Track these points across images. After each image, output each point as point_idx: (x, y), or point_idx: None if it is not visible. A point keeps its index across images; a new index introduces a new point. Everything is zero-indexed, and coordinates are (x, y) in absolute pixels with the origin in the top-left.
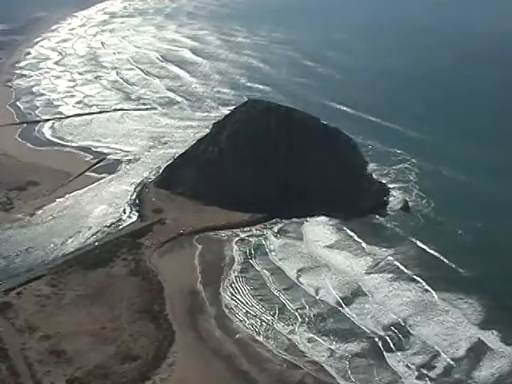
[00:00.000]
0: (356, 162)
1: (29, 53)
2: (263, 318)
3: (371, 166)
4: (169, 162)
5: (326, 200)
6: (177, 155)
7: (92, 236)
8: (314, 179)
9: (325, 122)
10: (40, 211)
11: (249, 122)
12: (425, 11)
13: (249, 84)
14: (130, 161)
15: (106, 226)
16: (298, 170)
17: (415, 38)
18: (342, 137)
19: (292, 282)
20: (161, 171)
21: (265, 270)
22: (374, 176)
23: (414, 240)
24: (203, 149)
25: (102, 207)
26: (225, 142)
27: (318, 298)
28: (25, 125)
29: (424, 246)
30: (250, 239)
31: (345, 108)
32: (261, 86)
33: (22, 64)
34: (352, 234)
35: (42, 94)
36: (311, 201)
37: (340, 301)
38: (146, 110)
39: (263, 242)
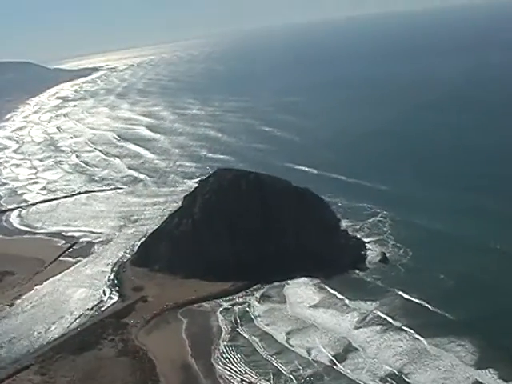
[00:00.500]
0: (329, 220)
1: None
2: (260, 382)
3: (344, 223)
4: (142, 240)
5: (304, 260)
6: (149, 232)
7: (75, 320)
8: (291, 240)
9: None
10: (19, 300)
11: (219, 191)
12: (373, 65)
13: (210, 155)
14: (102, 242)
15: (88, 309)
16: (273, 233)
17: (366, 93)
18: (312, 196)
19: (282, 346)
20: (135, 249)
21: (253, 337)
22: (348, 232)
23: (396, 291)
24: (177, 222)
25: (81, 290)
26: (198, 213)
27: (310, 358)
28: None
29: (407, 296)
30: (234, 308)
31: (307, 169)
32: (222, 156)
33: None
34: (335, 291)
35: (4, 184)
36: (290, 262)
37: (333, 359)
38: (111, 190)
39: (247, 309)
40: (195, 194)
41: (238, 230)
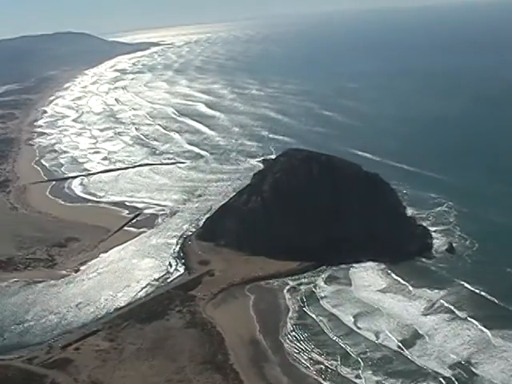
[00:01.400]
0: (397, 207)
1: (45, 111)
2: (327, 364)
3: (410, 211)
4: (209, 215)
5: (371, 245)
6: (215, 207)
7: (142, 290)
8: (359, 225)
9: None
10: (84, 266)
11: (290, 171)
12: (433, 56)
13: (270, 135)
14: (166, 214)
15: (155, 280)
16: (342, 216)
17: (426, 82)
18: (381, 182)
19: (349, 328)
20: (201, 224)
21: (320, 317)
22: (415, 220)
23: (462, 282)
24: (245, 199)
25: (147, 260)
26: (267, 191)
27: (378, 342)
28: (53, 182)
29: (474, 287)
30: (301, 287)
31: (369, 155)
32: (283, 138)
33: (40, 122)
34: (401, 277)
35: (65, 152)
36: (357, 246)
37: (400, 344)
38: (172, 164)
39: (314, 290)
40: (265, 172)
41: (307, 210)
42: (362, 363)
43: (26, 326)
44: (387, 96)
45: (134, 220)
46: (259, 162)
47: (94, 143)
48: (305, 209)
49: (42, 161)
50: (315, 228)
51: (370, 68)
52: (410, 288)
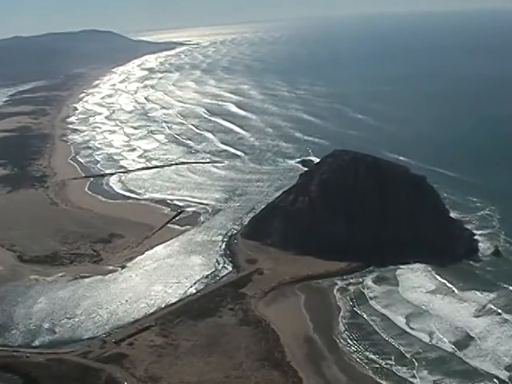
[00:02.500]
0: (443, 210)
1: (76, 108)
2: (382, 363)
3: (453, 214)
4: (253, 214)
5: (418, 246)
6: (260, 207)
7: (191, 286)
8: (406, 226)
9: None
10: (131, 263)
11: (338, 172)
12: (464, 60)
13: (305, 137)
14: (209, 212)
15: (204, 277)
16: (389, 217)
17: (456, 86)
18: (427, 185)
19: (402, 329)
20: (246, 222)
21: (372, 317)
22: (461, 223)
23: (510, 285)
24: (292, 199)
25: (194, 258)
26: (315, 192)
27: (431, 343)
28: (91, 178)
29: None
30: (350, 287)
31: (405, 159)
32: (317, 140)
33: (72, 119)
34: (450, 279)
35: (100, 149)
36: (404, 248)
37: (453, 345)
38: (209, 163)
39: (363, 290)
40: (312, 173)
41: (355, 210)
42: (416, 363)
43: (77, 321)
44: (417, 99)
45: (177, 218)
46: (298, 163)
47: (127, 141)
48: (352, 209)
49: (78, 157)
50: (362, 229)
51: (397, 72)
52: (459, 290)
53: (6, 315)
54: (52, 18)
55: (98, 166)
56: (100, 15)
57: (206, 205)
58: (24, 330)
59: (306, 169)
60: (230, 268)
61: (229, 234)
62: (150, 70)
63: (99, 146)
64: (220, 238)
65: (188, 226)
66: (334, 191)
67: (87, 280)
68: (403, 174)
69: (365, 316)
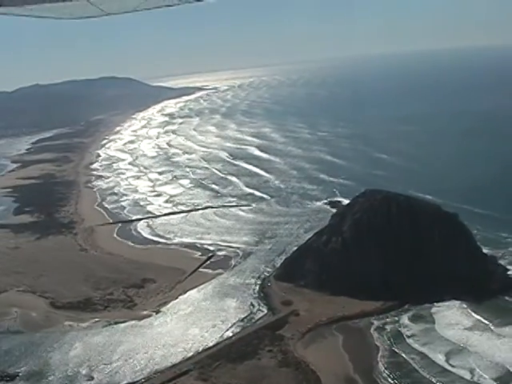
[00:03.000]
0: (476, 246)
1: (99, 155)
2: None
3: (486, 250)
4: (286, 256)
5: (453, 283)
6: (292, 248)
7: (228, 330)
8: (440, 264)
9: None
10: (165, 307)
11: (370, 211)
12: (490, 97)
13: (330, 179)
14: (240, 256)
15: (240, 320)
16: (422, 255)
17: (482, 125)
18: (459, 222)
19: (442, 367)
20: (279, 265)
21: (411, 356)
22: (494, 259)
23: None
24: (325, 240)
25: (228, 301)
26: (347, 232)
27: (472, 379)
28: (119, 224)
29: None
30: (387, 326)
31: (430, 197)
32: (342, 181)
33: (96, 165)
34: (486, 316)
35: (125, 195)
36: (439, 285)
37: (495, 381)
38: (236, 206)
39: (400, 329)
40: (344, 213)
41: (388, 250)
42: None
43: (115, 366)
44: (442, 139)
45: (208, 262)
46: (325, 204)
47: (152, 186)
48: (385, 248)
49: (104, 203)
50: (396, 267)
51: (418, 111)
52: (496, 326)
53: (43, 362)
54: (71, 65)
55: (125, 211)
56: (118, 62)
57: (237, 248)
58: (61, 377)
59: (334, 210)
60: (265, 310)
61: (261, 276)
62: (170, 116)
63: (124, 191)
64: (253, 280)
65: (220, 270)
66: (366, 231)
67: (122, 325)
68: (435, 212)
69: (404, 355)
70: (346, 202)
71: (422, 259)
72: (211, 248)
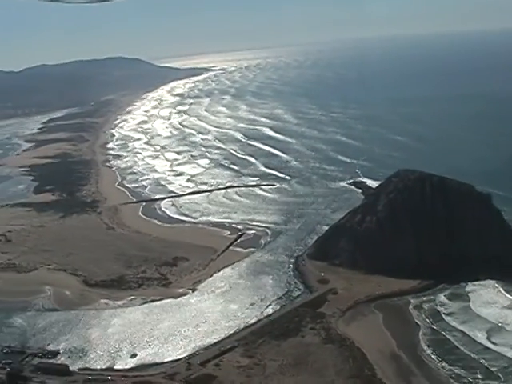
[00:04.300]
0: (508, 227)
1: (113, 134)
2: (470, 377)
3: None
4: (317, 235)
5: (487, 263)
6: (322, 228)
7: (268, 307)
8: (474, 243)
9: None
10: (201, 285)
11: (404, 191)
12: (493, 80)
13: (348, 160)
14: (269, 235)
15: (279, 298)
16: (456, 235)
17: (494, 108)
18: (492, 203)
19: (483, 344)
20: (311, 243)
21: (452, 333)
22: None
23: None
24: (359, 219)
25: (264, 279)
26: (382, 211)
27: None
28: (143, 203)
29: None
30: (425, 305)
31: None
32: (360, 162)
33: (112, 145)
34: None
35: (144, 174)
36: (473, 265)
37: None
38: (257, 186)
39: (439, 307)
40: (378, 193)
41: (422, 229)
42: (502, 377)
43: (157, 343)
44: (449, 120)
45: (238, 240)
46: (349, 184)
47: (170, 166)
48: (420, 228)
49: (125, 182)
50: (431, 247)
51: (425, 93)
52: None
53: (83, 339)
54: (76, 47)
55: (146, 190)
56: (124, 43)
57: (265, 227)
58: (103, 354)
59: (359, 190)
60: (302, 288)
61: (294, 255)
62: (181, 96)
63: (143, 171)
64: (286, 259)
65: (251, 248)
66: (401, 210)
67: (159, 303)
68: (469, 193)
69: (444, 333)
70: (369, 182)
71: (455, 239)
72: (239, 227)
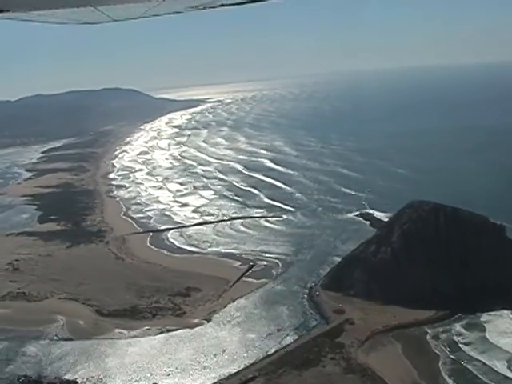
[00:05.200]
0: None
1: (113, 165)
2: None
3: None
4: (329, 265)
5: (503, 294)
6: (334, 258)
7: (285, 337)
8: (488, 274)
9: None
10: (216, 316)
11: (418, 222)
12: (491, 113)
13: (352, 192)
14: (280, 266)
15: (295, 328)
16: (471, 265)
17: (492, 140)
18: (506, 234)
19: (503, 374)
20: (324, 274)
21: (472, 363)
22: None
23: None
24: (374, 250)
25: (279, 310)
26: (397, 242)
27: None
28: (151, 234)
29: None
30: (442, 335)
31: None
32: (364, 194)
33: (113, 175)
34: None
35: (149, 205)
36: (488, 295)
37: None
38: (264, 217)
39: (456, 337)
40: (392, 224)
41: (437, 260)
42: None
43: (176, 373)
44: (449, 153)
45: (250, 271)
46: (357, 216)
47: (173, 197)
48: (435, 258)
49: (130, 213)
50: (446, 277)
51: (423, 125)
52: None
53: (100, 368)
54: (71, 76)
55: (152, 221)
56: (118, 73)
57: (276, 258)
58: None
59: (367, 222)
60: (318, 319)
61: (307, 285)
62: (178, 127)
63: (147, 201)
64: (300, 289)
65: (264, 279)
66: (415, 241)
67: (175, 333)
68: (482, 223)
69: (463, 362)
70: (377, 214)
71: (470, 270)
72: (250, 258)
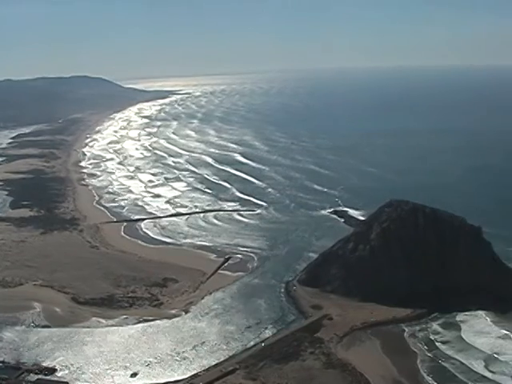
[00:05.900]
0: (499, 259)
1: (84, 153)
2: None
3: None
4: (306, 261)
5: (478, 294)
6: (310, 254)
7: (264, 331)
8: (465, 274)
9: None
10: (194, 307)
11: (398, 221)
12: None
13: (324, 189)
14: (256, 260)
15: (274, 321)
16: (448, 266)
17: (464, 142)
18: (482, 235)
19: (480, 374)
20: (301, 269)
21: (450, 361)
22: None
23: None
24: (352, 247)
25: (257, 303)
26: (375, 240)
27: None
28: (124, 223)
29: None
30: (419, 333)
31: None
32: (337, 192)
33: (84, 164)
34: None
35: (121, 194)
36: (464, 295)
37: None
38: (236, 211)
39: (434, 336)
40: (370, 222)
41: (415, 259)
42: None
43: (155, 363)
44: (424, 154)
45: (226, 264)
46: (330, 213)
47: (145, 187)
48: (413, 258)
49: (103, 202)
50: (423, 276)
51: (395, 126)
52: None
53: (79, 356)
54: (40, 63)
55: (125, 211)
56: (88, 61)
57: (251, 252)
58: (101, 371)
59: (341, 219)
60: (296, 313)
61: (284, 280)
62: (148, 118)
63: (119, 191)
64: (276, 283)
65: (240, 273)
66: (394, 240)
67: (153, 323)
68: (460, 225)
69: (441, 361)
70: (351, 212)
71: (447, 269)
72: (226, 250)
